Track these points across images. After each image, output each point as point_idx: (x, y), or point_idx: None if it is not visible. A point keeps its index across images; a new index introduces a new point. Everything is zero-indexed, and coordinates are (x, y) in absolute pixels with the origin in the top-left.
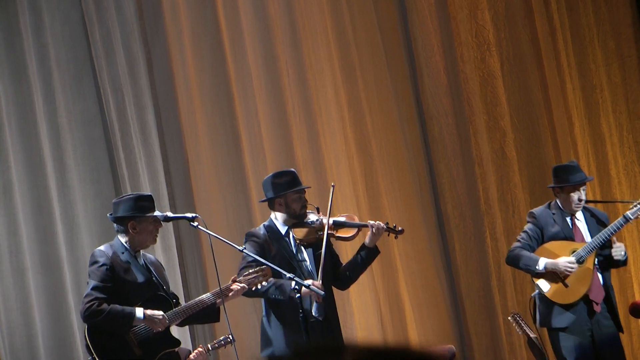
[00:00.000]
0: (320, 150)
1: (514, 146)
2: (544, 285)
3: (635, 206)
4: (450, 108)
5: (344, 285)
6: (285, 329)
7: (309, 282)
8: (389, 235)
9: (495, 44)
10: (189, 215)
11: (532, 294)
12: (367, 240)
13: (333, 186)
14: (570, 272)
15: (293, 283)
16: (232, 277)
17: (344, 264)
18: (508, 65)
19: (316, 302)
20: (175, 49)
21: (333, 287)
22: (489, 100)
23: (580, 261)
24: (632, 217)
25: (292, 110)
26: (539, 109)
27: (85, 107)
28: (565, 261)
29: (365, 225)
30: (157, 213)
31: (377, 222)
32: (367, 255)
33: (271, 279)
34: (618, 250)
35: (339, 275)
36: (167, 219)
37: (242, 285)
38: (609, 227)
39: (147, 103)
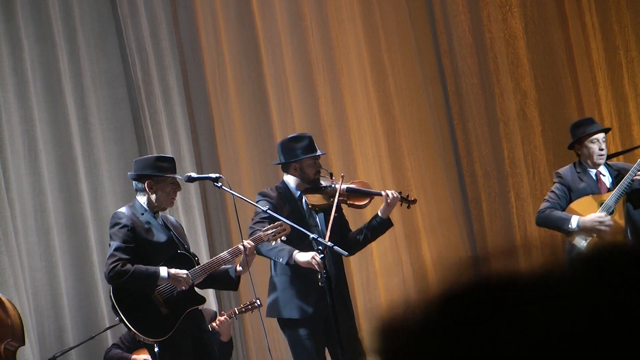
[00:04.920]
0: (345, 110)
1: (537, 107)
2: (581, 243)
3: None
4: (476, 68)
5: (351, 250)
6: (297, 285)
7: (330, 243)
8: (401, 204)
9: (519, 4)
10: (213, 175)
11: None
12: (380, 210)
13: (343, 176)
14: (601, 227)
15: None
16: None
17: (353, 230)
18: (532, 26)
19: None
20: (201, 9)
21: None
22: (511, 61)
23: (609, 211)
24: None
25: (318, 70)
26: (563, 70)
27: (109, 67)
28: (595, 216)
29: (379, 194)
30: (178, 176)
31: (392, 191)
32: (380, 225)
33: (278, 242)
34: None
35: (348, 240)
36: (190, 179)
37: (251, 243)
38: (630, 170)
39: (169, 64)
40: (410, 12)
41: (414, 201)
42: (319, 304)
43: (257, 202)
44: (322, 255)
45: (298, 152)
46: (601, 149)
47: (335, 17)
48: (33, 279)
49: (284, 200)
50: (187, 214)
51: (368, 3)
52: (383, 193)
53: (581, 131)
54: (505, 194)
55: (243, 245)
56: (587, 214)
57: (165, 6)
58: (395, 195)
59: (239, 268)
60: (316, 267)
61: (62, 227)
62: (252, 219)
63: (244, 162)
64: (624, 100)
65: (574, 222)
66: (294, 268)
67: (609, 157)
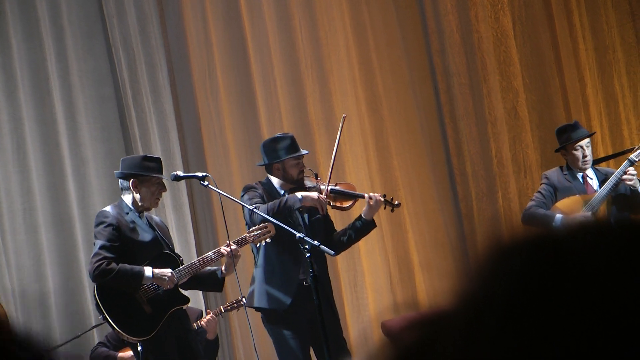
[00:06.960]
0: (333, 109)
1: (526, 106)
2: None
3: (639, 149)
4: (464, 67)
5: (336, 250)
6: (275, 278)
7: (317, 242)
8: (385, 207)
9: (509, 2)
10: (200, 174)
11: None
12: (364, 212)
13: (344, 117)
14: None
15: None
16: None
17: (338, 230)
18: (520, 25)
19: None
20: (189, 7)
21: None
22: (502, 60)
23: (593, 211)
24: (636, 160)
25: (306, 69)
26: (551, 70)
27: (96, 66)
28: (579, 215)
29: (363, 196)
30: (163, 176)
31: (375, 194)
32: (363, 227)
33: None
34: (629, 178)
35: (332, 240)
36: (177, 178)
37: (234, 247)
38: (615, 172)
39: (159, 62)
40: (398, 11)
41: (398, 205)
42: (303, 303)
43: (243, 195)
44: (308, 254)
45: (280, 152)
46: (585, 156)
47: (324, 16)
48: (21, 277)
49: (268, 194)
50: (177, 211)
51: (356, 2)
52: (366, 196)
53: (565, 137)
54: (493, 193)
55: (228, 246)
56: (572, 213)
57: (153, 5)
58: (378, 198)
59: (224, 270)
60: (320, 205)
61: (49, 226)
62: (244, 213)
63: (232, 160)
64: (614, 100)
65: (557, 220)
66: (274, 260)
67: (598, 161)
